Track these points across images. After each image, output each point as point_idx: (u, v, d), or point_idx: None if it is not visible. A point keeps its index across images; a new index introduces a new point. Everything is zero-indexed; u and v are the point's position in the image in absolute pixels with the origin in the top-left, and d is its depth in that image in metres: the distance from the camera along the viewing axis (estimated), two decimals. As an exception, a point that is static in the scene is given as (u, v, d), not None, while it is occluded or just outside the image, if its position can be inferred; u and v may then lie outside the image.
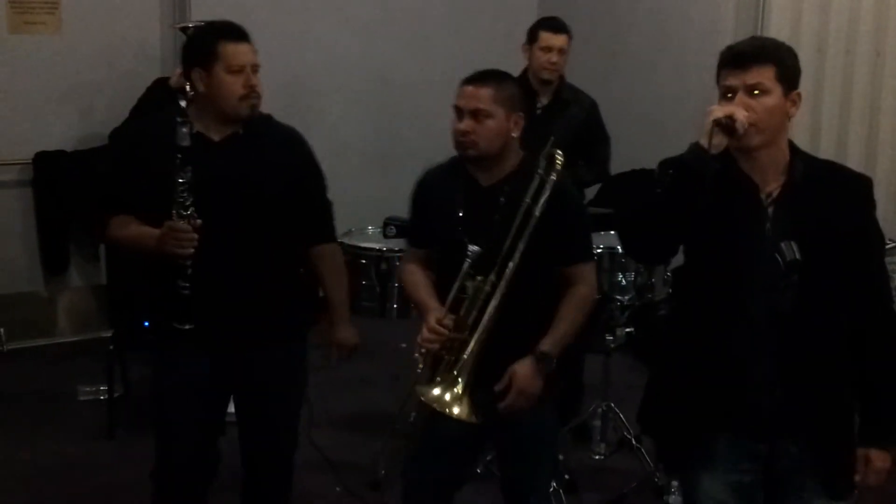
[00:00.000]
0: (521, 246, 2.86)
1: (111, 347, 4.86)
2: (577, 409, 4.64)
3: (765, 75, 2.47)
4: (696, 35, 6.18)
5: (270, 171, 3.14)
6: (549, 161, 2.94)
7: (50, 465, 4.48)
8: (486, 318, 2.85)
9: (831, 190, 2.55)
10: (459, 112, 2.95)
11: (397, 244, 4.34)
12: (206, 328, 3.08)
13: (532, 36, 4.73)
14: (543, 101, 4.72)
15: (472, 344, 2.83)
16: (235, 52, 3.04)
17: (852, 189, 2.59)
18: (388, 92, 6.89)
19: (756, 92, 2.47)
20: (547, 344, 2.91)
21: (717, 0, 6.07)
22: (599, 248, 4.24)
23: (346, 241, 4.35)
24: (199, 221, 2.97)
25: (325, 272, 3.34)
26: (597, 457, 4.52)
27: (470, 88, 2.94)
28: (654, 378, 2.83)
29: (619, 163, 5.54)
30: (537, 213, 2.88)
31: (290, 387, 3.33)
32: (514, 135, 2.99)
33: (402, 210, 4.78)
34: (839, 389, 2.59)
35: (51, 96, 5.92)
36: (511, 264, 2.85)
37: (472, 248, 2.88)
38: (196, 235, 2.96)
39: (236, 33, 3.10)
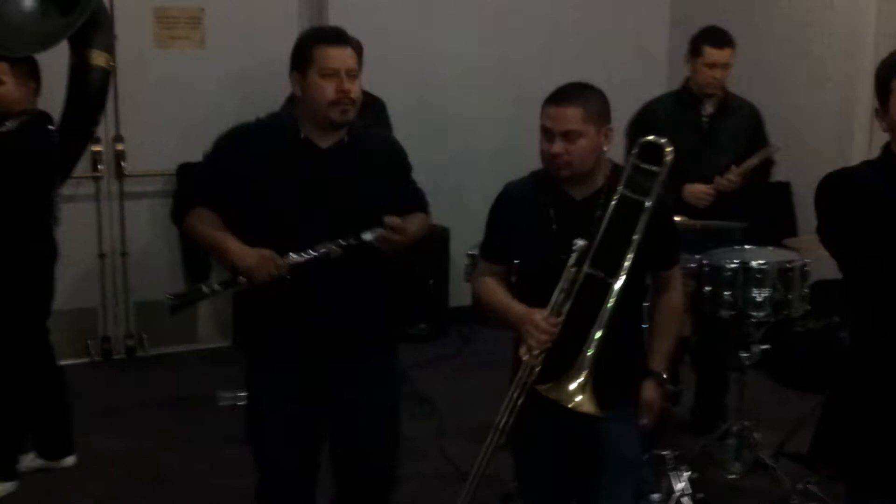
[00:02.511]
0: (634, 241, 2.82)
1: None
2: (714, 428, 4.56)
3: None
4: (836, 45, 6.01)
5: (375, 180, 3.11)
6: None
7: (190, 469, 4.61)
8: (606, 311, 2.79)
9: None
10: (548, 133, 2.87)
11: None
12: (303, 338, 3.08)
13: (696, 50, 4.64)
14: (709, 109, 4.66)
15: (594, 338, 2.77)
16: (328, 55, 2.99)
17: None
18: (520, 102, 6.86)
19: None
20: (659, 363, 2.98)
21: (857, 9, 5.90)
22: (734, 262, 4.17)
23: (477, 252, 4.36)
24: (295, 261, 2.96)
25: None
26: (731, 476, 4.42)
27: (557, 109, 2.86)
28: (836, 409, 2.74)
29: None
30: (648, 204, 2.84)
31: (384, 401, 3.28)
32: (606, 148, 2.92)
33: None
34: None
35: (194, 109, 6.11)
36: (630, 256, 2.81)
37: (580, 242, 2.82)
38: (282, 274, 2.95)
39: (332, 37, 3.04)
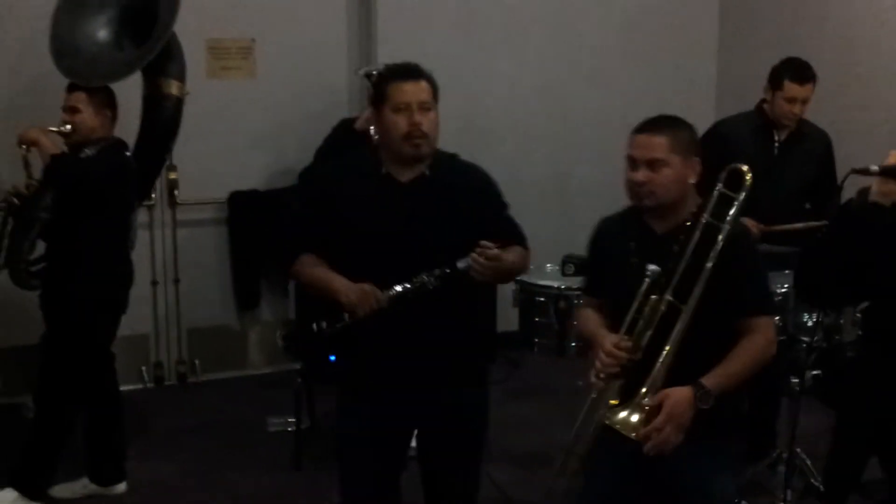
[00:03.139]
0: (707, 268, 2.76)
1: (299, 380, 4.94)
2: (765, 455, 4.50)
3: None
4: (886, 59, 5.96)
5: (458, 214, 3.10)
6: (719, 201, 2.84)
7: (239, 494, 4.63)
8: (673, 338, 2.74)
9: None
10: (633, 162, 2.86)
11: (576, 282, 4.33)
12: (389, 369, 3.10)
13: (776, 83, 4.59)
14: (782, 135, 4.63)
15: (658, 365, 2.74)
16: (399, 90, 3.02)
17: None
18: (565, 127, 6.91)
19: None
20: (710, 379, 2.76)
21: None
22: (785, 287, 4.13)
23: (525, 279, 4.37)
24: (393, 294, 3.00)
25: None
26: (782, 504, 4.37)
27: (644, 137, 2.86)
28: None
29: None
30: (721, 238, 2.77)
31: (471, 429, 3.30)
32: (692, 181, 2.90)
33: (581, 247, 4.76)
34: None
35: (245, 138, 6.19)
36: (698, 286, 2.74)
37: (652, 267, 2.80)
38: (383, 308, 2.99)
39: (405, 72, 3.07)
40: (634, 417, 2.72)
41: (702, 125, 4.83)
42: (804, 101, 4.57)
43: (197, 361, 6.25)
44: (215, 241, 6.27)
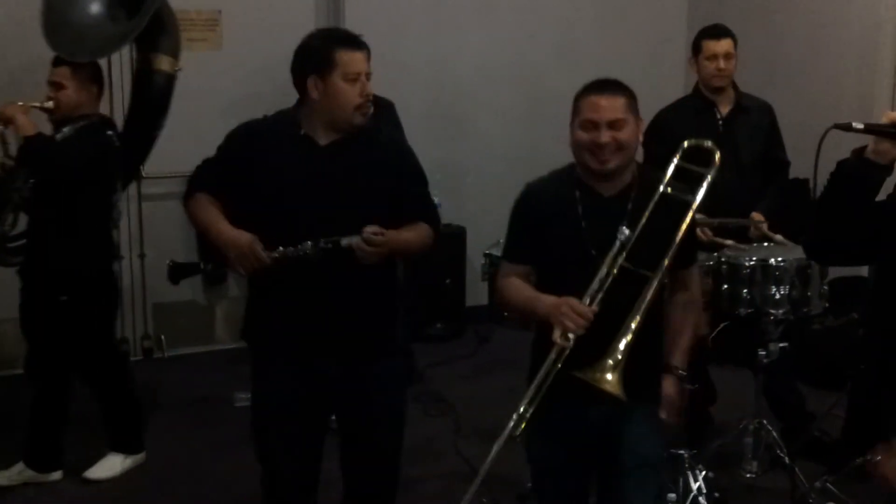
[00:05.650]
0: (675, 241, 2.82)
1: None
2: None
3: None
4: (854, 43, 5.98)
5: (372, 178, 3.10)
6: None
7: (207, 470, 4.62)
8: (644, 302, 2.77)
9: None
10: (594, 124, 2.84)
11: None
12: (301, 336, 3.10)
13: (696, 48, 4.67)
14: (723, 111, 4.64)
15: (631, 326, 2.75)
16: (352, 59, 3.03)
17: None
18: (535, 103, 6.89)
19: None
20: (676, 359, 2.97)
21: (875, 4, 5.87)
22: (752, 260, 4.15)
23: (494, 252, 4.36)
24: (275, 255, 3.00)
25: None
26: (748, 475, 4.40)
27: (604, 99, 2.85)
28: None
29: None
30: (690, 213, 2.86)
31: (391, 403, 3.29)
32: (640, 140, 2.93)
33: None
34: None
35: (211, 111, 6.12)
36: (670, 251, 2.82)
37: (625, 230, 2.80)
38: (264, 266, 3.00)
39: (353, 41, 3.08)
40: (609, 376, 2.72)
41: (672, 98, 4.86)
42: (726, 57, 4.58)
43: (163, 337, 6.22)
44: (181, 216, 6.09)
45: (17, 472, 4.40)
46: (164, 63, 4.84)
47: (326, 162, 3.08)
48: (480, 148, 6.74)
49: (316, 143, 3.10)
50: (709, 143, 2.97)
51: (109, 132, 4.35)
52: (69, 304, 4.26)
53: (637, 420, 2.92)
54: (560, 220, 2.93)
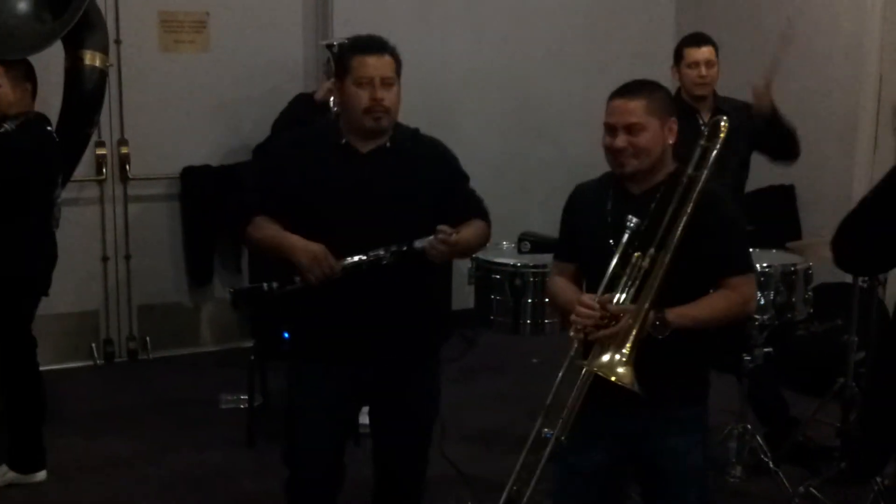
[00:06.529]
0: (681, 222, 2.73)
1: (252, 358, 4.95)
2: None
3: None
4: (841, 49, 6.01)
5: (416, 185, 3.12)
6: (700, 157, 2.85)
7: (191, 472, 4.59)
8: (651, 289, 2.69)
9: None
10: (612, 129, 2.83)
11: (532, 260, 4.34)
12: (343, 340, 3.12)
13: (677, 55, 4.68)
14: (706, 118, 4.65)
15: (640, 311, 2.68)
16: (362, 63, 3.04)
17: None
18: (524, 107, 6.90)
19: None
20: (673, 312, 2.72)
21: (862, 12, 5.90)
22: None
23: (480, 255, 4.37)
24: (345, 265, 3.01)
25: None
26: (733, 480, 4.40)
27: (620, 102, 2.82)
28: None
29: (760, 179, 5.43)
30: (699, 187, 2.77)
31: (424, 404, 3.33)
32: (670, 141, 2.88)
33: (537, 225, 4.75)
34: None
35: (198, 112, 6.12)
36: (675, 236, 2.71)
37: (633, 219, 2.78)
38: (335, 276, 3.00)
39: (368, 45, 3.08)
40: (611, 360, 2.67)
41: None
42: (707, 64, 4.58)
43: (148, 338, 6.19)
44: (168, 217, 6.20)
45: (1, 475, 4.38)
46: (95, 59, 4.79)
47: (368, 170, 3.10)
48: (468, 152, 6.60)
49: (357, 152, 3.11)
50: (723, 119, 2.92)
51: (49, 128, 4.33)
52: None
53: (680, 431, 2.87)
54: (593, 217, 2.93)
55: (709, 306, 2.81)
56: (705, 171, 2.80)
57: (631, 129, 2.80)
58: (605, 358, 2.69)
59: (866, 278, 4.35)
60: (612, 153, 2.85)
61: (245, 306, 3.26)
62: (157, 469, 4.63)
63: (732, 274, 2.86)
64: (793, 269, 4.17)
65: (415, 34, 6.41)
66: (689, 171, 2.82)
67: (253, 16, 6.19)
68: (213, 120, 6.17)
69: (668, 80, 6.76)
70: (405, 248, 3.03)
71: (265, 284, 3.10)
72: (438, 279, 3.34)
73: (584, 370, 2.74)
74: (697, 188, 2.77)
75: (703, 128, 4.56)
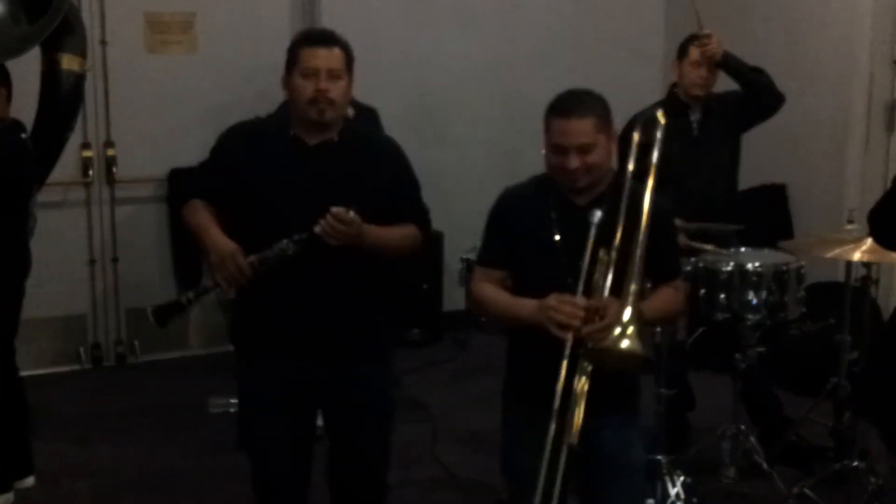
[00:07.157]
0: (647, 198, 2.78)
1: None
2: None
3: None
4: (831, 48, 5.99)
5: (359, 181, 3.07)
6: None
7: (181, 477, 4.57)
8: (633, 274, 2.69)
9: None
10: (561, 148, 2.80)
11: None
12: (287, 340, 3.08)
13: (682, 52, 4.66)
14: (696, 115, 4.64)
15: (629, 292, 2.68)
16: (309, 55, 3.02)
17: None
18: (515, 107, 6.86)
19: None
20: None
21: (852, 12, 5.88)
22: (729, 265, 4.14)
23: (471, 257, 4.35)
24: (252, 260, 2.96)
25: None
26: (726, 481, 4.38)
27: (569, 123, 2.79)
28: None
29: (751, 177, 5.42)
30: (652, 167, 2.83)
31: (377, 407, 3.26)
32: (613, 149, 2.89)
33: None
34: None
35: (185, 114, 6.08)
36: (641, 230, 2.74)
37: (597, 213, 2.76)
38: (247, 280, 2.97)
39: (317, 38, 3.08)
40: (626, 342, 2.65)
41: (650, 103, 4.84)
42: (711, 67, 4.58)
43: (136, 342, 6.15)
44: (155, 220, 6.17)
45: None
46: (72, 63, 4.71)
47: (312, 162, 3.07)
48: (458, 152, 6.71)
49: (305, 144, 3.09)
50: (658, 112, 2.97)
51: (23, 135, 4.26)
52: None
53: (615, 427, 2.90)
54: (534, 227, 2.90)
55: (656, 303, 2.88)
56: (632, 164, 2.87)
57: (583, 150, 2.79)
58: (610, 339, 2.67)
59: (858, 277, 4.34)
60: (564, 173, 2.82)
61: (170, 321, 3.20)
62: (144, 473, 4.60)
63: (668, 280, 2.97)
64: (785, 268, 4.16)
65: (403, 35, 6.39)
66: (633, 162, 2.86)
67: (240, 16, 6.16)
68: (200, 121, 6.12)
69: (659, 78, 6.83)
70: (306, 236, 2.96)
71: (182, 297, 3.10)
72: (389, 278, 3.30)
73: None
74: (652, 164, 2.84)
75: (693, 124, 4.61)
